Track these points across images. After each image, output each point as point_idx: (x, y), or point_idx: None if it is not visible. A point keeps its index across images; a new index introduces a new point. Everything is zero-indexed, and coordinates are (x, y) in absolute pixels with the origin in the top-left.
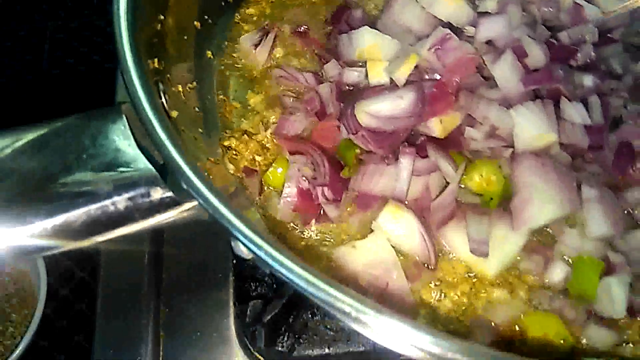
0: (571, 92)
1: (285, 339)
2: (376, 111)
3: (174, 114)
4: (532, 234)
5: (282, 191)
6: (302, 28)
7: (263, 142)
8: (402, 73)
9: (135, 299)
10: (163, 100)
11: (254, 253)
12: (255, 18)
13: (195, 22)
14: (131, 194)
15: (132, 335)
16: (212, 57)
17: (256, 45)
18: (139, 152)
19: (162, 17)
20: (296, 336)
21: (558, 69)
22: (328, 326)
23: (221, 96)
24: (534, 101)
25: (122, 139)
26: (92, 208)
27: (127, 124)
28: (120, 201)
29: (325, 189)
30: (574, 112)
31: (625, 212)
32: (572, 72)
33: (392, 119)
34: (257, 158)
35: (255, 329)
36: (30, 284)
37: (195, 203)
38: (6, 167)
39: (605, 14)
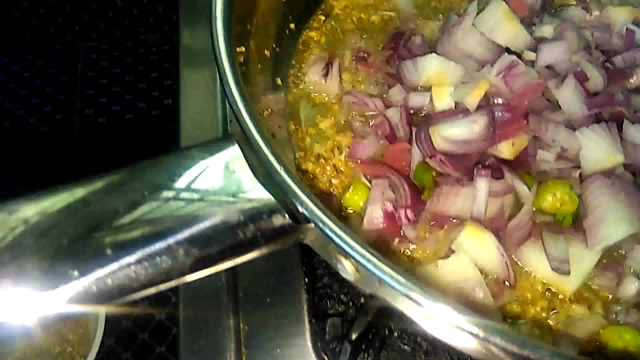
0: (631, 114)
1: (366, 355)
2: (452, 135)
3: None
4: (603, 251)
5: (362, 214)
6: (363, 54)
7: (337, 165)
8: (474, 98)
9: (216, 318)
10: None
11: (375, 275)
12: (315, 44)
13: (267, 51)
14: (258, 222)
15: (217, 352)
16: (281, 84)
17: (324, 76)
18: (256, 182)
19: (243, 48)
20: (376, 352)
21: (618, 92)
22: (405, 342)
23: (292, 122)
24: (599, 124)
25: (240, 170)
26: (227, 238)
27: (242, 154)
28: (248, 230)
29: (408, 210)
30: (637, 133)
31: None
32: (629, 94)
33: (467, 142)
34: (334, 181)
35: (337, 346)
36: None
37: (312, 226)
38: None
39: None
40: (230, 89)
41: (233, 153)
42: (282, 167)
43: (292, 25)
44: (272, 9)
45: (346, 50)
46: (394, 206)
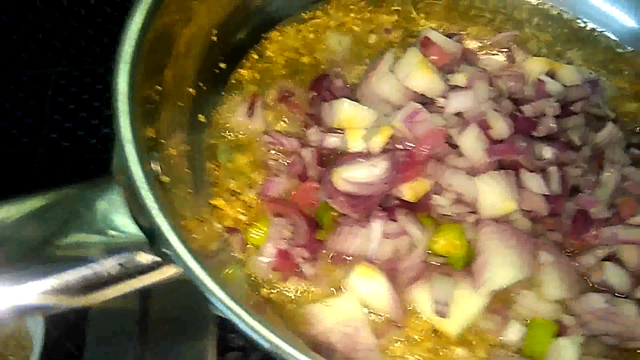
0: (531, 162)
1: None
2: (352, 177)
3: (165, 179)
4: (492, 295)
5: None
6: (286, 94)
7: (248, 202)
8: (377, 143)
9: (124, 348)
10: (158, 167)
11: (229, 318)
12: (247, 82)
13: (190, 89)
14: (120, 258)
15: None
16: (204, 121)
17: (249, 116)
18: (128, 218)
19: (159, 87)
20: None
21: (520, 140)
22: None
23: (211, 157)
24: (497, 171)
25: (114, 207)
26: (86, 270)
27: (120, 192)
28: (110, 264)
29: (303, 249)
30: (533, 182)
31: (580, 276)
32: (534, 143)
33: (367, 184)
34: (242, 217)
35: None
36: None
37: (174, 265)
38: (7, 233)
39: (566, 87)
40: (120, 127)
41: (111, 191)
42: (154, 206)
43: (222, 65)
44: (197, 51)
45: (271, 89)
46: (289, 244)
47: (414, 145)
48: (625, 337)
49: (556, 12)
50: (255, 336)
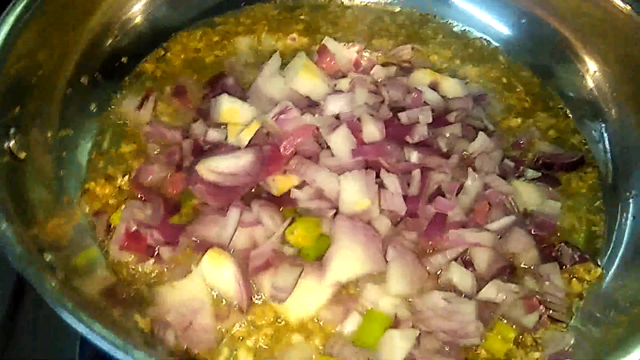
0: (393, 165)
1: None
2: (215, 167)
3: (22, 155)
4: (338, 286)
5: None
6: (180, 89)
7: (121, 186)
8: (244, 136)
9: None
10: (11, 143)
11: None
12: (144, 78)
13: (83, 79)
14: None
15: None
16: (95, 110)
17: (139, 107)
18: None
19: (38, 72)
20: None
21: (388, 144)
22: None
23: (96, 143)
24: (358, 170)
25: None
26: None
27: None
28: None
29: (155, 231)
30: (391, 182)
31: (430, 275)
32: (405, 147)
33: (232, 175)
34: (111, 201)
35: None
36: None
37: None
38: None
39: (446, 99)
40: None
41: None
42: None
43: (123, 59)
44: (90, 42)
45: (168, 85)
46: (141, 226)
47: (279, 141)
48: (459, 335)
49: (460, 31)
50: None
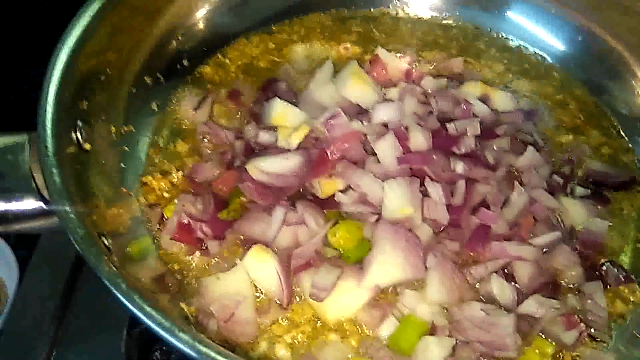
0: (437, 174)
1: None
2: (265, 167)
3: (87, 146)
4: (377, 290)
5: None
6: (235, 93)
7: (174, 181)
8: (294, 139)
9: (38, 329)
10: (78, 134)
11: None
12: (203, 80)
13: (147, 78)
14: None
15: None
16: (156, 108)
17: (196, 108)
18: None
19: (107, 69)
20: None
21: (433, 154)
22: None
23: (155, 139)
24: (403, 178)
25: (20, 159)
26: None
27: (27, 148)
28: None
29: (204, 225)
30: (434, 191)
31: (470, 285)
32: (451, 158)
33: (279, 176)
34: (166, 195)
35: None
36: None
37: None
38: None
39: (496, 112)
40: (45, 90)
41: (21, 146)
42: (56, 171)
43: (185, 62)
44: (156, 46)
45: (224, 87)
46: (191, 219)
47: (327, 146)
48: (496, 347)
49: (514, 46)
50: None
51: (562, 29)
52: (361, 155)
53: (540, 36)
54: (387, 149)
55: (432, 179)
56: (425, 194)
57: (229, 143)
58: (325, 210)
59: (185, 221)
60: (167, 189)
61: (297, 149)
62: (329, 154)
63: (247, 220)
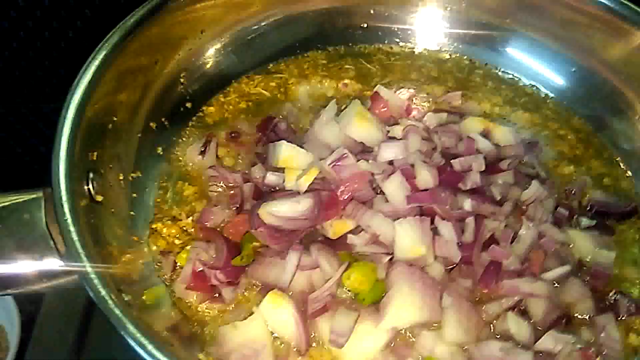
0: (447, 212)
1: None
2: (276, 211)
3: (99, 198)
4: (394, 333)
5: None
6: (234, 134)
7: (185, 227)
8: (304, 182)
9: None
10: (90, 186)
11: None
12: (205, 123)
13: (152, 124)
14: (31, 261)
15: None
16: (161, 153)
17: (201, 151)
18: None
19: (114, 118)
20: None
21: (441, 191)
22: None
23: (162, 185)
24: (414, 217)
25: (37, 217)
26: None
27: (43, 205)
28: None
29: (219, 272)
30: (445, 230)
31: (485, 323)
32: (458, 194)
33: (291, 219)
34: (177, 241)
35: None
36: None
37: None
38: None
39: (498, 146)
40: (57, 144)
41: (36, 203)
42: (69, 220)
43: (188, 105)
44: (161, 90)
45: (224, 129)
46: (207, 267)
47: (338, 187)
48: None
49: (509, 78)
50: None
51: (557, 62)
52: (370, 194)
53: (535, 69)
54: (395, 189)
55: (442, 217)
56: (435, 233)
57: (237, 186)
58: (337, 252)
59: (200, 269)
60: (177, 235)
61: (307, 191)
62: (339, 195)
63: (261, 265)
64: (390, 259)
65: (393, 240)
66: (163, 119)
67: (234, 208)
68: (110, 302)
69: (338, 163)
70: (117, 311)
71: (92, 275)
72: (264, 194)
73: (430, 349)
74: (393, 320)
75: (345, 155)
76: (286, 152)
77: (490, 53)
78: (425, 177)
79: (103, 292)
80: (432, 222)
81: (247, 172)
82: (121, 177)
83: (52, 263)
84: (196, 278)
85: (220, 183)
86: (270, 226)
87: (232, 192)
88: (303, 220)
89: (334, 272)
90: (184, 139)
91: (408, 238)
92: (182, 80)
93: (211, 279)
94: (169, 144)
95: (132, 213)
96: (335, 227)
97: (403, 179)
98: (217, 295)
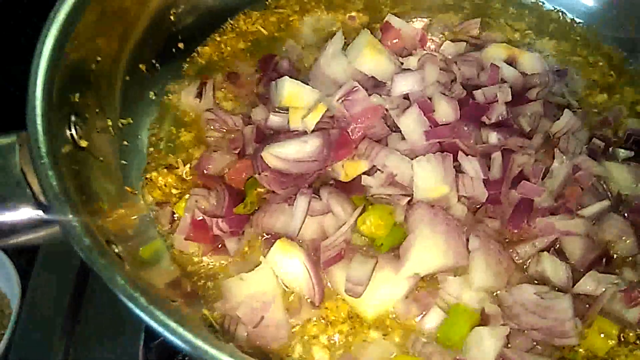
0: (471, 147)
1: None
2: (282, 154)
3: (84, 143)
4: (416, 280)
5: None
6: (232, 75)
7: (182, 175)
8: (310, 120)
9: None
10: (73, 131)
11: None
12: (200, 64)
13: (141, 66)
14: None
15: None
16: (154, 97)
17: (198, 96)
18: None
19: (97, 57)
20: None
21: (464, 125)
22: None
23: (156, 131)
24: (434, 154)
25: (11, 163)
26: None
27: (18, 151)
28: None
29: (221, 221)
30: (470, 166)
31: (517, 266)
32: (482, 128)
33: (298, 162)
34: (174, 191)
35: None
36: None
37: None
38: None
39: (524, 75)
40: (32, 83)
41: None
42: (53, 172)
43: (180, 45)
44: (148, 29)
45: (220, 70)
46: (206, 215)
47: (347, 124)
48: (555, 334)
49: (531, 2)
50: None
51: None
52: (385, 131)
53: None
54: (412, 124)
55: (465, 153)
56: (458, 170)
57: (238, 129)
58: (351, 196)
59: (200, 218)
60: (174, 184)
61: (313, 130)
62: (350, 133)
63: (267, 212)
64: (410, 201)
65: (412, 180)
66: (153, 61)
67: (236, 153)
68: (95, 252)
69: (348, 98)
70: (102, 261)
71: (75, 224)
72: (268, 137)
73: (457, 295)
74: (414, 267)
75: (356, 88)
76: (290, 89)
77: None
78: (446, 110)
79: (87, 243)
80: (454, 159)
81: (248, 115)
82: (110, 124)
83: (29, 212)
84: (196, 228)
85: (219, 127)
86: (276, 170)
87: (232, 136)
88: (311, 162)
89: (347, 216)
90: (177, 81)
91: (428, 177)
92: (171, 17)
93: (213, 229)
94: (161, 87)
95: (124, 162)
96: (347, 169)
97: (420, 113)
98: (219, 246)
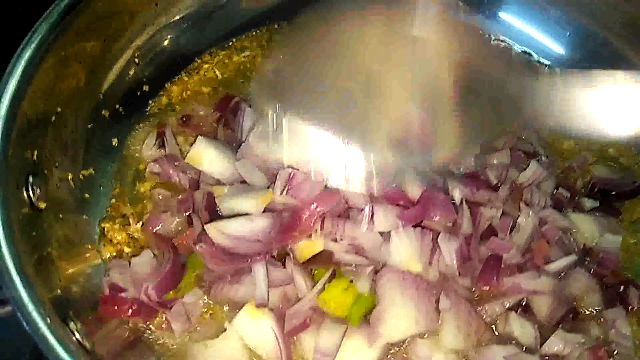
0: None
1: None
2: (226, 228)
3: (42, 205)
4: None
5: None
6: (184, 118)
7: (133, 234)
8: (258, 206)
9: None
10: (30, 192)
11: None
12: (163, 108)
13: (104, 112)
14: None
15: None
16: (116, 144)
17: (161, 147)
18: None
19: (57, 109)
20: None
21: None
22: None
23: (117, 183)
24: (415, 229)
25: None
26: None
27: None
28: None
29: (150, 287)
30: (446, 249)
31: (487, 325)
32: (448, 179)
33: (241, 239)
34: (126, 249)
35: None
36: None
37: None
38: None
39: None
40: None
41: None
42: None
43: (145, 88)
44: (112, 73)
45: (173, 116)
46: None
47: (300, 209)
48: None
49: (503, 45)
50: None
51: (550, 26)
52: (345, 209)
53: (532, 35)
54: (383, 219)
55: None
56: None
57: (188, 190)
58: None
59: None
60: (125, 242)
61: (265, 210)
62: (305, 218)
63: (225, 284)
64: (377, 271)
65: (379, 250)
66: (117, 106)
67: (186, 217)
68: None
69: (290, 186)
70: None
71: (26, 301)
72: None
73: (427, 358)
74: (387, 336)
75: (292, 174)
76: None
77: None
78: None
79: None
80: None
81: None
82: (70, 177)
83: None
84: (105, 302)
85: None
86: (218, 246)
87: (181, 195)
88: (255, 242)
89: (305, 287)
90: (141, 126)
91: (404, 251)
92: (136, 60)
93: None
94: (125, 134)
95: (83, 217)
96: (303, 250)
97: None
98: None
